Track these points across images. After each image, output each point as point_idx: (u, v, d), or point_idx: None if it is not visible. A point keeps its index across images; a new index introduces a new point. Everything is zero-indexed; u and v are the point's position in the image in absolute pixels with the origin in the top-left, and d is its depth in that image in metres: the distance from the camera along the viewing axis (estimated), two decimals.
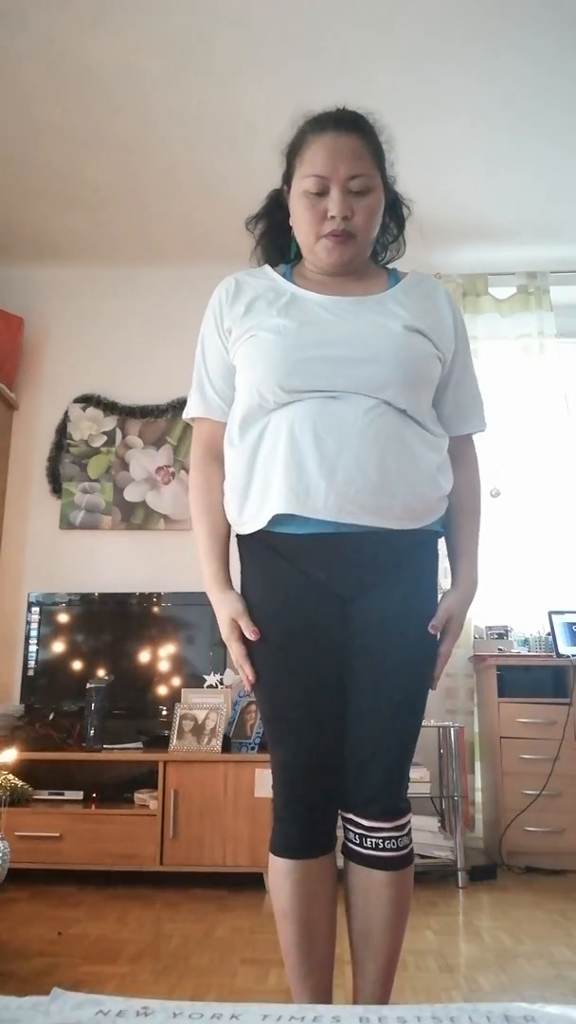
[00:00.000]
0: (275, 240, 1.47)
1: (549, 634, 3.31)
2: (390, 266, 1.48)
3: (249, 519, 1.31)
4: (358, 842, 1.31)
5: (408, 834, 1.32)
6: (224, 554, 1.39)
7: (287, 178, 1.39)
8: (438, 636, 1.34)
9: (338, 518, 1.23)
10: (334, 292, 1.36)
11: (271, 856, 1.34)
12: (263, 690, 1.34)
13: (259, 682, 1.32)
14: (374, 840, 1.29)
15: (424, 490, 1.28)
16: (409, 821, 1.33)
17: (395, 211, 1.45)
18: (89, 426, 3.84)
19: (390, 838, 1.29)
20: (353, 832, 1.32)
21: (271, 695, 1.33)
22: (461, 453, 1.44)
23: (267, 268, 1.45)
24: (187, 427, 3.80)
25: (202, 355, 1.44)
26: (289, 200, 1.38)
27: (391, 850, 1.29)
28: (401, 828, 1.30)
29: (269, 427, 1.29)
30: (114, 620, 3.43)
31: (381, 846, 1.29)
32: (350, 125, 1.31)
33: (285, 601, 1.30)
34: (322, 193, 1.30)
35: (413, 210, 1.46)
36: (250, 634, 1.30)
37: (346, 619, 1.30)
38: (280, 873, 1.31)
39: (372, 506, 1.24)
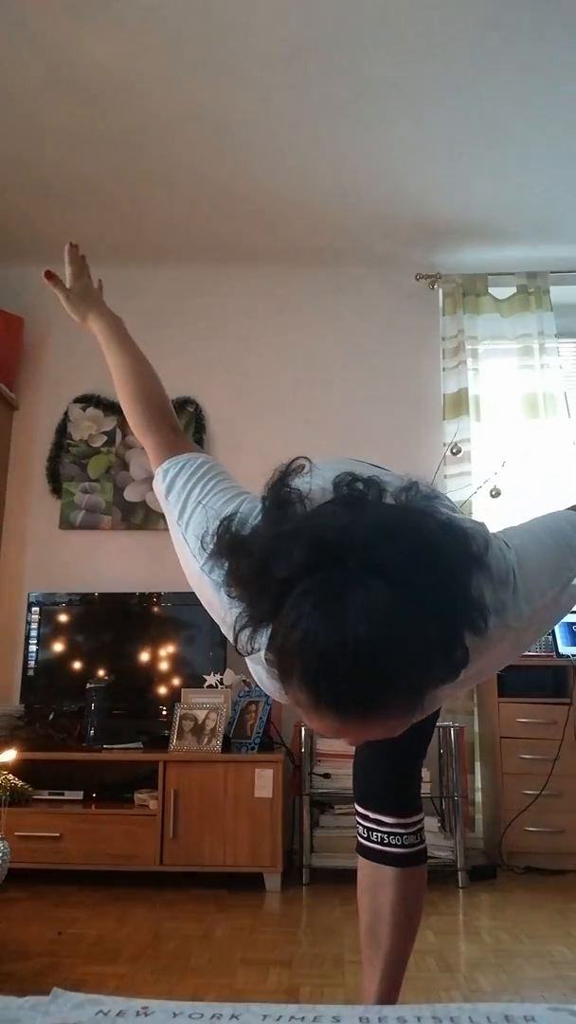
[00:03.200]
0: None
1: (549, 634, 3.31)
2: None
3: None
4: (366, 836, 1.33)
5: (417, 833, 1.32)
6: None
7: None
8: None
9: None
10: None
11: None
12: None
13: None
14: (380, 835, 1.31)
15: None
16: (419, 821, 1.34)
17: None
18: (89, 426, 3.84)
19: (395, 834, 1.30)
20: (362, 826, 1.34)
21: None
22: None
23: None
24: (187, 427, 3.80)
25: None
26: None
27: (396, 846, 1.30)
28: (408, 826, 1.31)
29: None
30: (114, 620, 3.43)
31: (386, 841, 1.30)
32: (360, 709, 0.75)
33: None
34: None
35: (487, 619, 0.83)
36: None
37: None
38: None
39: None
